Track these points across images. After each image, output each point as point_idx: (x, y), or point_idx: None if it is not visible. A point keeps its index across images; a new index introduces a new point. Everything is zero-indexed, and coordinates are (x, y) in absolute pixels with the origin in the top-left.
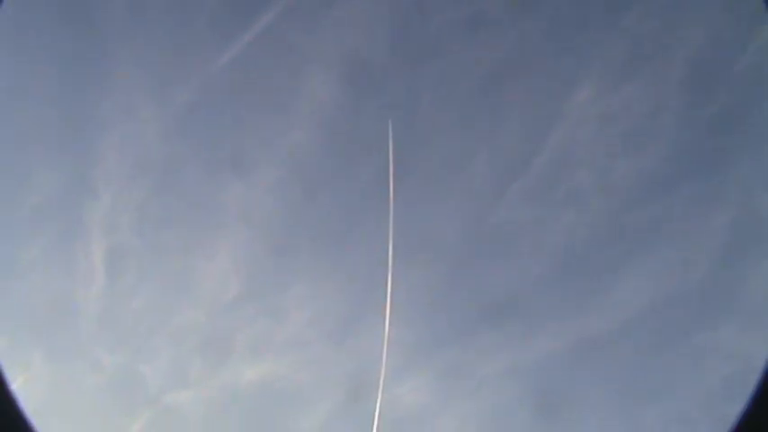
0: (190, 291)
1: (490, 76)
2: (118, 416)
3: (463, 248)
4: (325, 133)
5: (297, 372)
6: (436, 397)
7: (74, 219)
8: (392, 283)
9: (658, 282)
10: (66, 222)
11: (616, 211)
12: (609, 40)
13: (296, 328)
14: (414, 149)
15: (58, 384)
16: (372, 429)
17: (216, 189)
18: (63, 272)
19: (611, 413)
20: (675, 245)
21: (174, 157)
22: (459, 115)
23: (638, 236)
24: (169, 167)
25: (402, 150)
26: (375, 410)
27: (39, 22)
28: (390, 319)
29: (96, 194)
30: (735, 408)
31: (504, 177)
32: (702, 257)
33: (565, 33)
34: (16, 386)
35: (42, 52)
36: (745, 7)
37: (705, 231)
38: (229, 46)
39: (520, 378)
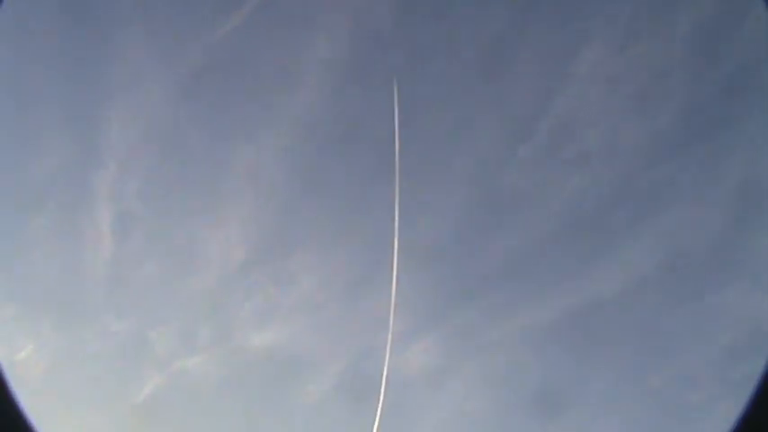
0: (198, 256)
1: (495, 39)
2: (127, 382)
3: (471, 211)
4: (332, 97)
5: (305, 337)
6: (445, 359)
7: (80, 187)
8: (399, 247)
9: (668, 243)
10: (72, 190)
11: (624, 172)
12: (615, 0)
13: (304, 292)
14: (419, 112)
15: (67, 351)
16: (380, 393)
17: (223, 155)
18: (70, 240)
19: (620, 374)
20: (685, 206)
21: (181, 123)
22: (464, 78)
23: (647, 197)
24: (175, 133)
25: (407, 114)
26: (383, 374)
27: None
28: (398, 283)
29: (102, 162)
30: (745, 369)
31: (511, 140)
32: (712, 218)
33: None
34: (26, 353)
35: (45, 19)
36: None
37: (715, 192)
38: (234, 10)
39: (529, 339)
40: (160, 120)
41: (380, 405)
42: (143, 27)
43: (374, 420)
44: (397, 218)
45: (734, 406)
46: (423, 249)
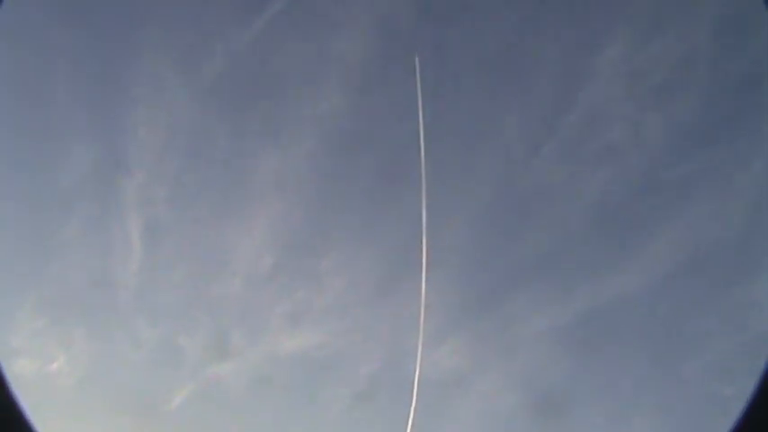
0: (226, 262)
1: (519, 36)
2: (159, 389)
3: (497, 209)
4: (356, 99)
5: (336, 339)
6: (474, 359)
7: (109, 195)
8: (427, 246)
9: (694, 236)
10: (101, 199)
11: (649, 166)
12: None
13: (333, 295)
14: (444, 112)
15: (101, 359)
16: (413, 394)
17: (249, 159)
18: (100, 248)
19: (649, 367)
20: (710, 199)
21: (206, 129)
22: (488, 75)
23: (673, 191)
24: (201, 140)
25: (432, 113)
26: (415, 375)
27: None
28: (426, 283)
29: (130, 170)
30: None
31: (537, 136)
32: (738, 211)
33: None
34: (59, 364)
35: (70, 28)
36: None
37: (740, 184)
38: (257, 16)
39: (558, 337)
40: (186, 126)
41: (413, 406)
42: (166, 34)
43: (407, 422)
44: (424, 218)
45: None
46: (450, 249)
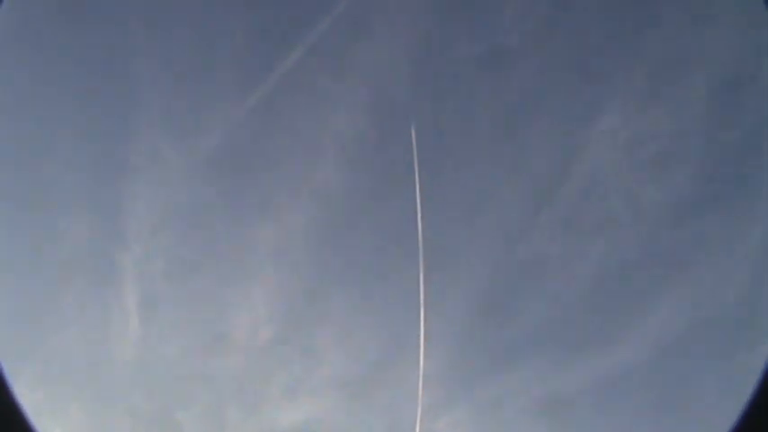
0: (224, 335)
1: (513, 106)
2: None
3: (495, 280)
4: (352, 172)
5: (334, 412)
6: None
7: (105, 268)
8: (425, 319)
9: (694, 305)
10: (97, 272)
11: (647, 236)
12: (631, 64)
13: (331, 369)
14: (439, 183)
15: None
16: None
17: (246, 232)
18: (97, 321)
19: None
20: (709, 267)
21: (203, 202)
22: (483, 147)
23: (672, 261)
24: (198, 212)
25: (428, 185)
26: None
27: (62, 69)
28: (425, 355)
29: (126, 243)
30: None
31: (533, 207)
32: (737, 278)
33: (586, 60)
34: None
35: (68, 101)
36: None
37: (739, 252)
38: (254, 88)
39: (559, 409)
40: (183, 199)
41: None
42: (164, 105)
43: None
44: (421, 289)
45: None
46: (449, 320)
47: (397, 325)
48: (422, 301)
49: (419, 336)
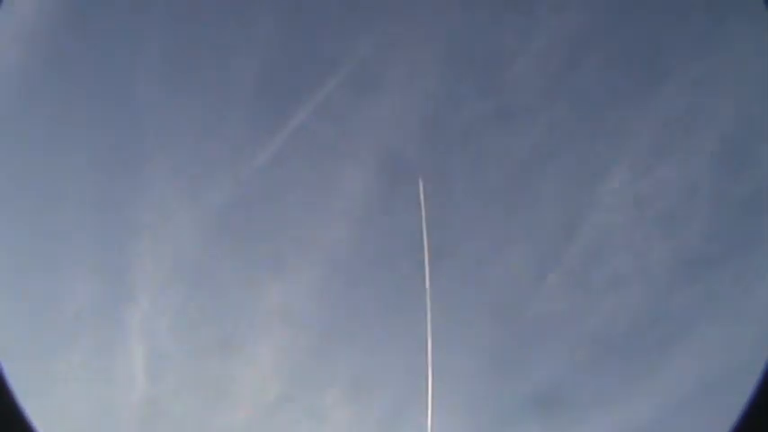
0: (230, 393)
1: (521, 165)
2: None
3: (502, 339)
4: (361, 229)
5: None
6: None
7: (112, 324)
8: (433, 379)
9: (705, 363)
10: (104, 328)
11: (657, 294)
12: (638, 122)
13: (338, 428)
14: (447, 241)
15: None
16: None
17: (253, 290)
18: (103, 378)
19: None
20: (719, 324)
21: (211, 259)
22: (491, 205)
23: (680, 318)
24: (206, 269)
25: (436, 243)
26: None
27: (70, 122)
28: (432, 416)
29: (134, 299)
30: None
31: (541, 266)
32: (747, 335)
33: (593, 118)
34: None
35: (76, 157)
36: None
37: (749, 308)
38: (262, 146)
39: None
40: (191, 255)
41: None
42: (171, 161)
43: None
44: (429, 348)
45: None
46: (456, 381)
47: (405, 384)
48: (429, 360)
49: (427, 395)
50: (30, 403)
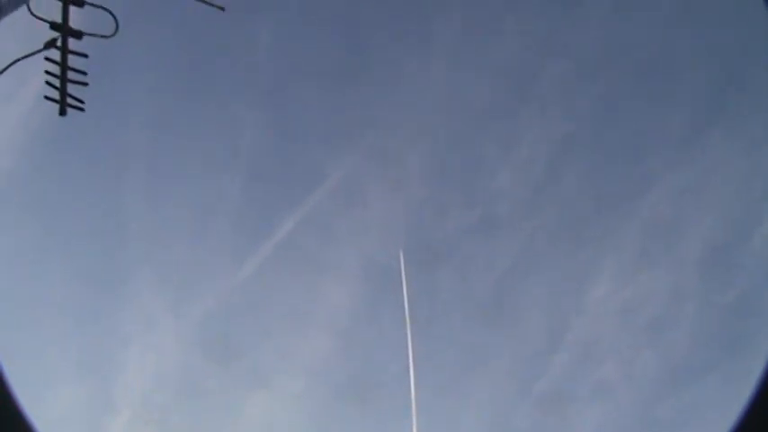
0: None
1: (505, 275)
2: None
3: None
4: (344, 339)
5: None
6: None
7: None
8: None
9: None
10: None
11: (644, 402)
12: (622, 230)
13: None
14: (433, 352)
15: None
16: None
17: (237, 401)
18: None
19: None
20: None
21: (194, 370)
22: (477, 315)
23: (668, 426)
24: (189, 380)
25: (422, 354)
26: None
27: (59, 233)
28: None
29: (116, 409)
30: None
31: (527, 376)
32: None
33: (578, 226)
34: None
35: (59, 267)
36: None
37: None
38: (247, 257)
39: None
40: (174, 366)
41: None
42: (156, 273)
43: None
44: None
45: None
46: None
47: None
48: None
49: None
50: None
